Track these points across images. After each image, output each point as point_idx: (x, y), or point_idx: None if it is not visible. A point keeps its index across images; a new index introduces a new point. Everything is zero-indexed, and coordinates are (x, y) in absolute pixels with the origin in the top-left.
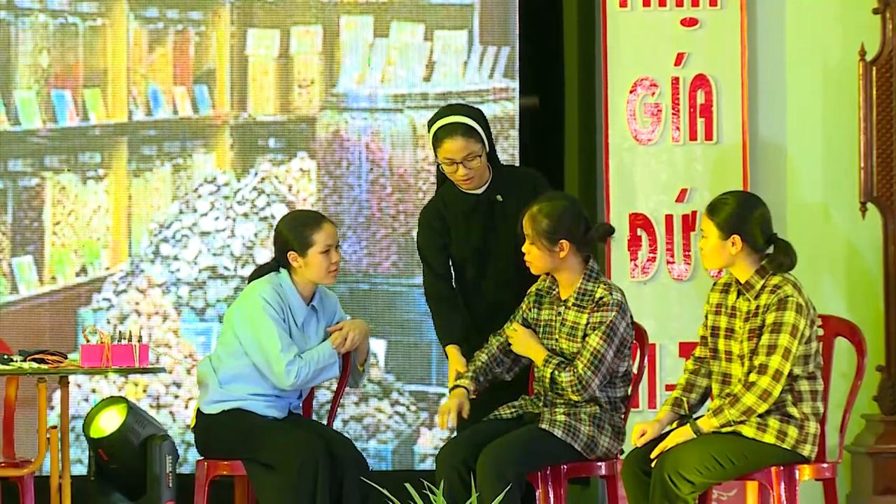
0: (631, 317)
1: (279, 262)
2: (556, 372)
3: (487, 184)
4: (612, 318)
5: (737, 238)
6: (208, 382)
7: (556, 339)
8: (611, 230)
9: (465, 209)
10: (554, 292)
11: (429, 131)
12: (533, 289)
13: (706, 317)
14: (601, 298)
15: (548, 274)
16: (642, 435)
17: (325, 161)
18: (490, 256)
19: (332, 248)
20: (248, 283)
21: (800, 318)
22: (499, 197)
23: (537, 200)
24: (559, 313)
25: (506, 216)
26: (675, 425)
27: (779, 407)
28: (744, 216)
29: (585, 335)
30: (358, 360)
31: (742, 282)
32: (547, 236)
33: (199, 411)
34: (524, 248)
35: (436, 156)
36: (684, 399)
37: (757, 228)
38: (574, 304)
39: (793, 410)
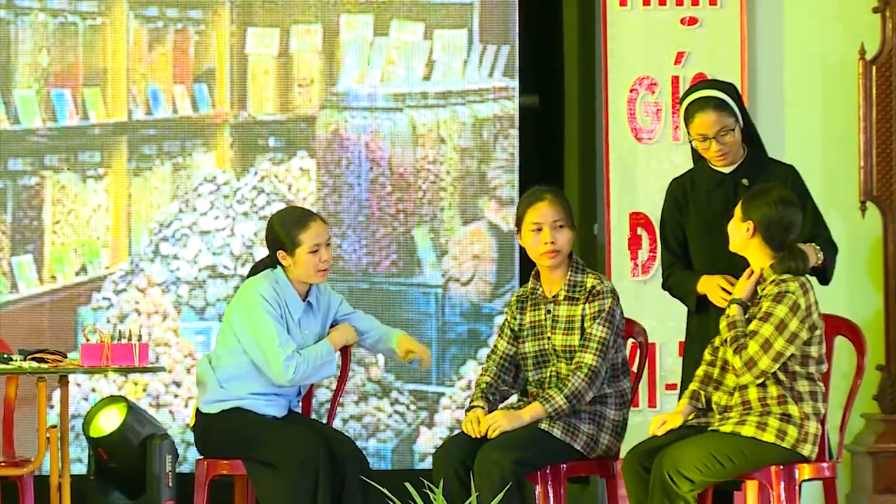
0: (621, 307)
1: (273, 259)
2: (565, 393)
3: (738, 164)
4: (610, 305)
5: (751, 224)
6: (207, 382)
7: (549, 338)
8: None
9: (710, 186)
10: (538, 293)
11: (681, 107)
12: (514, 297)
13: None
14: (594, 288)
15: (534, 277)
16: (663, 423)
17: (325, 160)
18: (719, 237)
19: (322, 246)
20: (246, 279)
21: (791, 316)
22: (745, 181)
23: (548, 189)
24: (548, 311)
25: None
26: (692, 417)
27: (779, 404)
28: (769, 211)
29: (584, 326)
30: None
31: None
32: (572, 217)
33: (198, 411)
34: (550, 240)
35: (689, 133)
36: (702, 392)
37: (778, 229)
38: (566, 298)
39: (793, 410)
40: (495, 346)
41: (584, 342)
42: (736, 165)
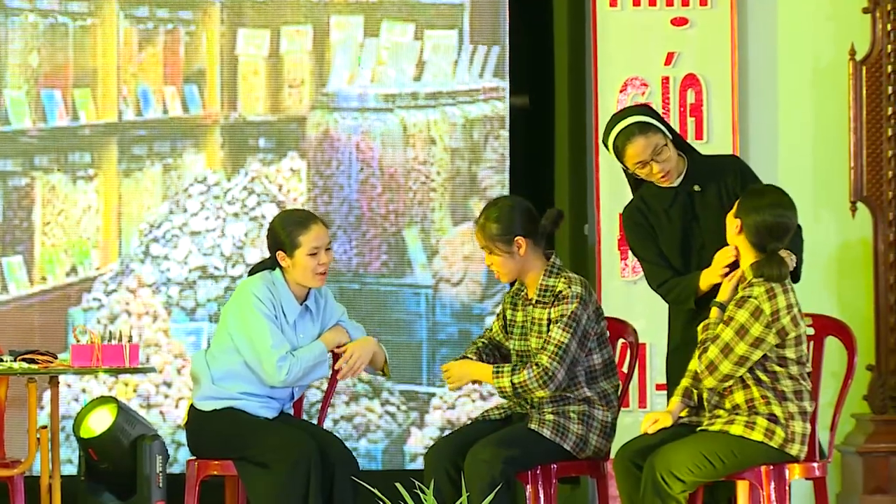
0: (597, 309)
1: (273, 261)
2: (513, 377)
3: (683, 175)
4: (573, 310)
5: (738, 223)
6: (201, 378)
7: (528, 340)
8: (560, 214)
9: (665, 204)
10: (522, 293)
11: (607, 148)
12: (511, 291)
13: None
14: (560, 292)
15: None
16: (655, 422)
17: (316, 161)
18: (693, 248)
19: (321, 249)
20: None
21: (752, 321)
22: (696, 187)
23: (482, 211)
24: (528, 313)
25: (706, 205)
26: (685, 414)
27: (765, 405)
28: (756, 216)
29: (549, 329)
30: (377, 370)
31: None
32: (500, 239)
33: (192, 407)
34: (486, 262)
35: (625, 167)
36: (694, 390)
37: (762, 233)
38: (538, 302)
39: (777, 410)
40: (491, 325)
41: (543, 344)
42: (682, 177)
